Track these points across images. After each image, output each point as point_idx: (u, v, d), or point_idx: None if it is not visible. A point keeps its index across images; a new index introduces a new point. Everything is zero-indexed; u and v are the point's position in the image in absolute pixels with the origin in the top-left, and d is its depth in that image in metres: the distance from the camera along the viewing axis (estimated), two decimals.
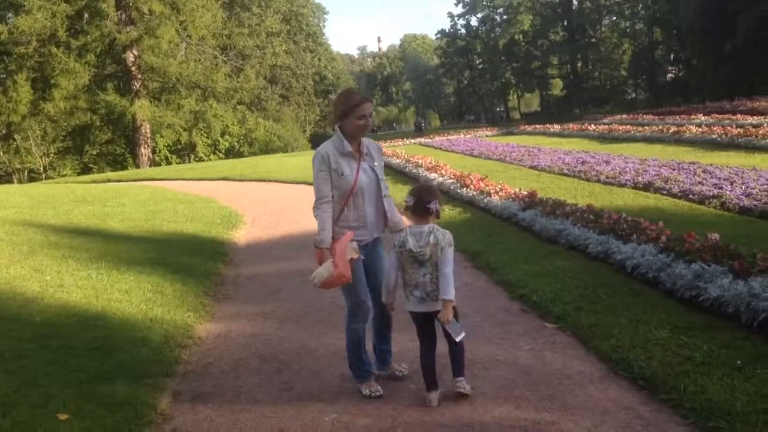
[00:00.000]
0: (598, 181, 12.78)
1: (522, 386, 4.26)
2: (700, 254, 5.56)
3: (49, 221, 11.25)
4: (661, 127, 22.22)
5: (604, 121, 29.52)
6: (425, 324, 4.19)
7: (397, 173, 17.52)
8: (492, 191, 10.86)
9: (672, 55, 62.27)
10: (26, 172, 39.06)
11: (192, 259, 8.97)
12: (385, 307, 4.41)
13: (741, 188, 9.92)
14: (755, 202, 8.90)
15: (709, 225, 8.18)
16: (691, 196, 9.99)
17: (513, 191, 10.64)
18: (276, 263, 9.08)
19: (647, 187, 11.24)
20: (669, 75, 65.33)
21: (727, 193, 9.63)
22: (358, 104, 4.21)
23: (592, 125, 27.20)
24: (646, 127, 23.15)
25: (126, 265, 8.19)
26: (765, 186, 9.92)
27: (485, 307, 6.12)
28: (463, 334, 4.07)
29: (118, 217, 12.28)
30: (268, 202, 15.72)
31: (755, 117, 21.09)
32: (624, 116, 30.29)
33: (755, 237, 7.22)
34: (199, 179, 23.50)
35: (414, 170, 16.32)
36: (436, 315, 4.05)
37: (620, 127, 24.35)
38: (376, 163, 4.36)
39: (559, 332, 5.24)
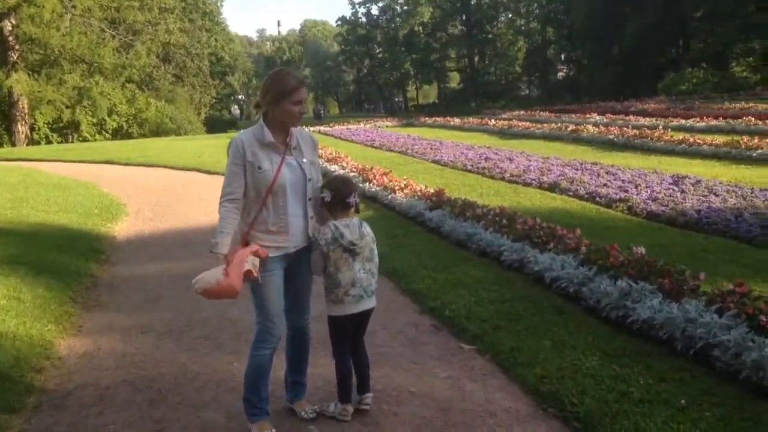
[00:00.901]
0: (503, 178, 12.49)
1: (440, 428, 3.68)
2: (626, 269, 5.17)
3: None
4: (559, 125, 22.44)
5: (503, 116, 29.70)
6: (360, 328, 3.83)
7: None
8: (396, 187, 10.30)
9: (563, 55, 64.37)
10: None
11: (60, 256, 7.92)
12: (304, 333, 3.80)
13: (646, 192, 9.80)
14: (663, 208, 8.75)
15: (619, 230, 7.98)
16: (597, 198, 9.80)
17: (419, 188, 10.12)
18: (159, 263, 8.15)
19: (553, 187, 11.01)
20: (560, 73, 67.53)
21: (634, 197, 9.47)
22: (295, 89, 3.50)
23: (492, 120, 27.25)
24: (545, 125, 23.37)
25: None
26: (669, 190, 9.84)
27: (393, 322, 5.52)
28: None
29: None
30: (155, 190, 14.54)
31: (647, 118, 21.64)
32: (522, 112, 30.57)
33: (671, 246, 6.98)
34: (81, 161, 21.81)
35: None
36: (371, 312, 3.83)
37: (519, 123, 24.48)
38: (305, 159, 3.64)
39: (477, 355, 4.71)
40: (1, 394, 4.17)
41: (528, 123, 24.57)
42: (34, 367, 4.79)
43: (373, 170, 11.98)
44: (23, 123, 37.34)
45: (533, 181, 11.66)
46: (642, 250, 5.47)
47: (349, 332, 3.77)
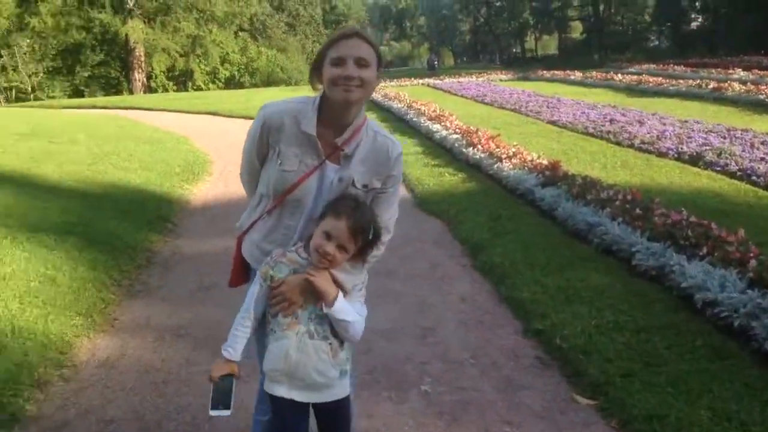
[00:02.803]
0: (632, 146, 10.72)
1: None
2: None
3: None
4: (697, 81, 19.89)
5: (631, 70, 27.08)
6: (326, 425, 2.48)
7: (398, 120, 15.42)
8: (504, 155, 8.83)
9: (698, 2, 58.81)
10: (13, 91, 36.92)
11: (121, 224, 7.04)
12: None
13: None
14: None
15: None
16: (754, 177, 7.96)
17: (530, 158, 8.61)
18: (228, 238, 7.11)
19: (695, 160, 9.20)
20: (694, 23, 62.12)
21: None
22: (333, 41, 2.20)
23: (618, 74, 24.87)
24: (680, 81, 20.87)
25: (27, 232, 6.27)
26: None
27: (486, 347, 4.22)
28: None
29: (60, 158, 10.33)
30: None
31: None
32: (652, 66, 27.80)
33: None
34: (186, 111, 21.45)
35: (416, 119, 14.22)
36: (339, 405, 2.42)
37: (650, 79, 22.02)
38: (357, 179, 2.29)
39: (597, 417, 3.35)
40: None
41: (660, 78, 22.08)
42: (38, 380, 3.85)
43: (479, 133, 10.52)
44: (140, 71, 37.95)
45: (670, 151, 9.85)
46: None
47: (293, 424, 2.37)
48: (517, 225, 6.68)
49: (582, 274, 5.17)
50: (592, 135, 12.11)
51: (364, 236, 2.21)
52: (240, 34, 43.38)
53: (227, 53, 41.37)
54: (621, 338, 4.05)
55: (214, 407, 2.26)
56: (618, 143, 11.09)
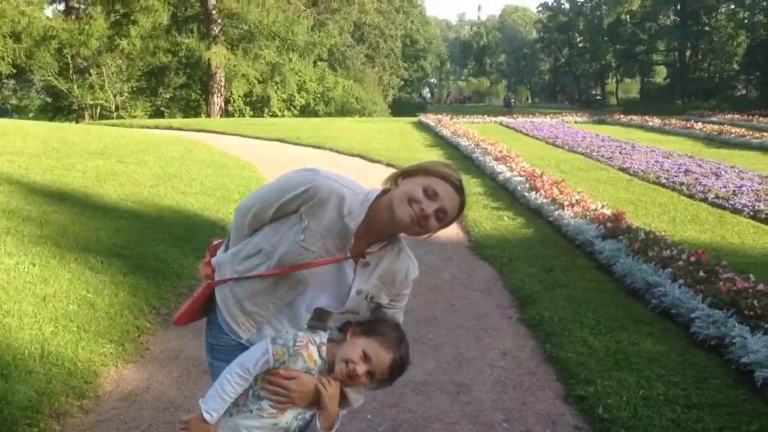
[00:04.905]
0: (705, 200, 10.21)
1: None
2: None
3: (35, 177, 9.54)
4: None
5: (713, 119, 26.17)
6: None
7: (464, 159, 15.21)
8: (566, 202, 8.51)
9: None
10: (98, 109, 38.43)
11: (170, 249, 7.04)
12: None
13: None
14: None
15: None
16: None
17: (593, 206, 8.26)
18: None
19: None
20: None
21: None
22: (436, 174, 2.07)
23: (699, 123, 24.00)
24: (765, 133, 19.93)
25: (76, 253, 6.32)
26: None
27: (522, 410, 3.95)
28: None
29: (124, 178, 10.50)
30: None
31: None
32: (736, 116, 26.82)
33: None
34: (255, 137, 21.72)
35: (481, 158, 13.98)
36: None
37: (733, 130, 21.16)
38: (368, 290, 2.14)
39: None
40: None
41: (743, 130, 21.19)
42: (57, 410, 3.77)
43: (543, 177, 10.20)
44: (219, 95, 38.94)
45: (745, 208, 9.32)
46: None
47: None
48: (571, 278, 6.36)
49: (635, 337, 4.83)
50: (663, 185, 11.61)
51: (399, 375, 2.09)
52: (319, 63, 44.13)
53: (304, 81, 42.11)
54: (670, 414, 3.72)
55: None
56: (690, 196, 10.59)
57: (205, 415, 2.02)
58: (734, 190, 10.53)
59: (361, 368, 2.00)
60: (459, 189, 2.07)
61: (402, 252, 2.19)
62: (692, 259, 5.63)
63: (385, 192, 2.11)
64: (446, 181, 2.04)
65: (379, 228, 2.09)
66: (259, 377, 2.06)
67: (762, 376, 3.87)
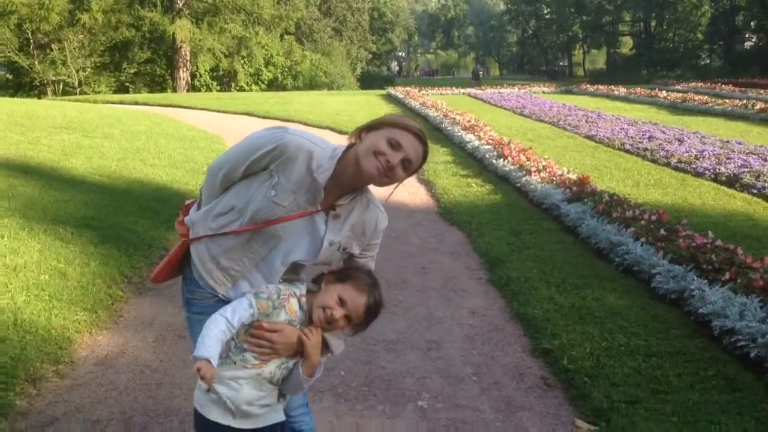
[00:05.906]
0: (668, 164, 10.44)
1: None
2: None
3: (0, 152, 9.44)
4: (744, 101, 19.36)
5: (677, 87, 26.55)
6: None
7: (433, 129, 15.28)
8: (533, 168, 8.65)
9: (753, 22, 57.38)
10: (61, 85, 37.67)
11: (139, 221, 7.02)
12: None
13: None
14: None
15: None
16: None
17: (559, 172, 8.42)
18: None
19: (732, 181, 8.91)
20: (748, 43, 60.66)
21: None
22: (398, 125, 2.12)
23: (663, 91, 24.35)
24: (726, 100, 20.31)
25: (45, 224, 6.29)
26: None
27: (491, 364, 4.08)
28: None
29: (91, 152, 10.41)
30: None
31: None
32: (700, 84, 27.24)
33: None
34: (223, 111, 21.55)
35: (450, 128, 14.07)
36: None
37: (696, 97, 21.53)
38: (340, 241, 2.21)
39: None
40: None
41: (706, 97, 21.57)
42: (32, 375, 3.80)
43: (511, 145, 10.34)
44: (185, 69, 38.39)
45: (706, 171, 9.56)
46: None
47: None
48: (538, 240, 6.51)
49: (598, 293, 5.00)
50: (628, 151, 11.83)
51: (373, 318, 2.17)
52: (286, 37, 43.67)
53: (271, 55, 41.68)
54: (631, 363, 3.88)
55: None
56: (654, 161, 10.81)
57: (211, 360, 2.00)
58: (696, 155, 10.77)
59: (338, 312, 2.08)
60: (421, 138, 2.13)
61: (371, 203, 2.26)
62: (654, 218, 5.81)
63: (350, 146, 2.17)
64: (409, 132, 2.11)
65: (347, 181, 2.15)
66: (242, 330, 2.11)
67: (719, 325, 4.04)
